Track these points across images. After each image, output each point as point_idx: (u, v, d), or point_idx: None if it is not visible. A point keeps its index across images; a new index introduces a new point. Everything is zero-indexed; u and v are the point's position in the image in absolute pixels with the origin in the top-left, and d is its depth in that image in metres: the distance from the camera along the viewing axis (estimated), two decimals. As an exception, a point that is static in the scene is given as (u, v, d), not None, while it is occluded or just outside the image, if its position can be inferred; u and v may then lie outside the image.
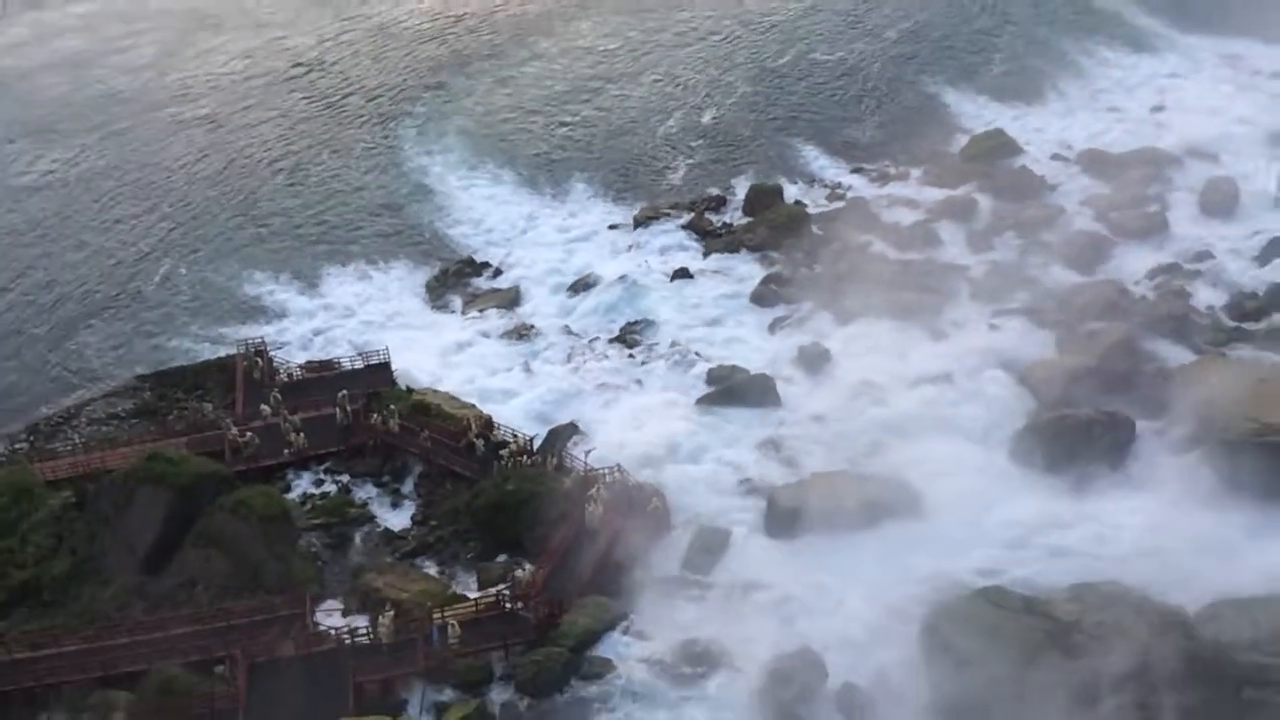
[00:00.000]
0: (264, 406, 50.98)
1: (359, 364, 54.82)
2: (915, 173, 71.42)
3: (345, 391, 51.45)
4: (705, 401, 51.41)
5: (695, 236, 66.50)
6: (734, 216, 69.00)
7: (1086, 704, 33.18)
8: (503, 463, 46.86)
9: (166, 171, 76.22)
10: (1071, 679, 33.58)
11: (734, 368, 53.03)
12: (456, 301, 63.43)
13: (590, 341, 57.93)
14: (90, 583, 43.57)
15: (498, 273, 65.61)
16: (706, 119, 79.97)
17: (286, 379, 53.90)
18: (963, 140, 74.65)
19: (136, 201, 72.92)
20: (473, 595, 42.02)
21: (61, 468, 48.65)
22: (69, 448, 50.61)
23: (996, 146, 72.67)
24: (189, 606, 41.26)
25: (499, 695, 38.38)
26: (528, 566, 42.82)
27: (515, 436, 48.32)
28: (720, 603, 39.99)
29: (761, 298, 60.18)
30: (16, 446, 52.99)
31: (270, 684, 37.91)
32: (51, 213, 72.07)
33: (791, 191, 70.91)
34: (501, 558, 44.23)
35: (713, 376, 53.17)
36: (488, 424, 49.14)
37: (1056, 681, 33.70)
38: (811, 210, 67.75)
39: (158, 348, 59.75)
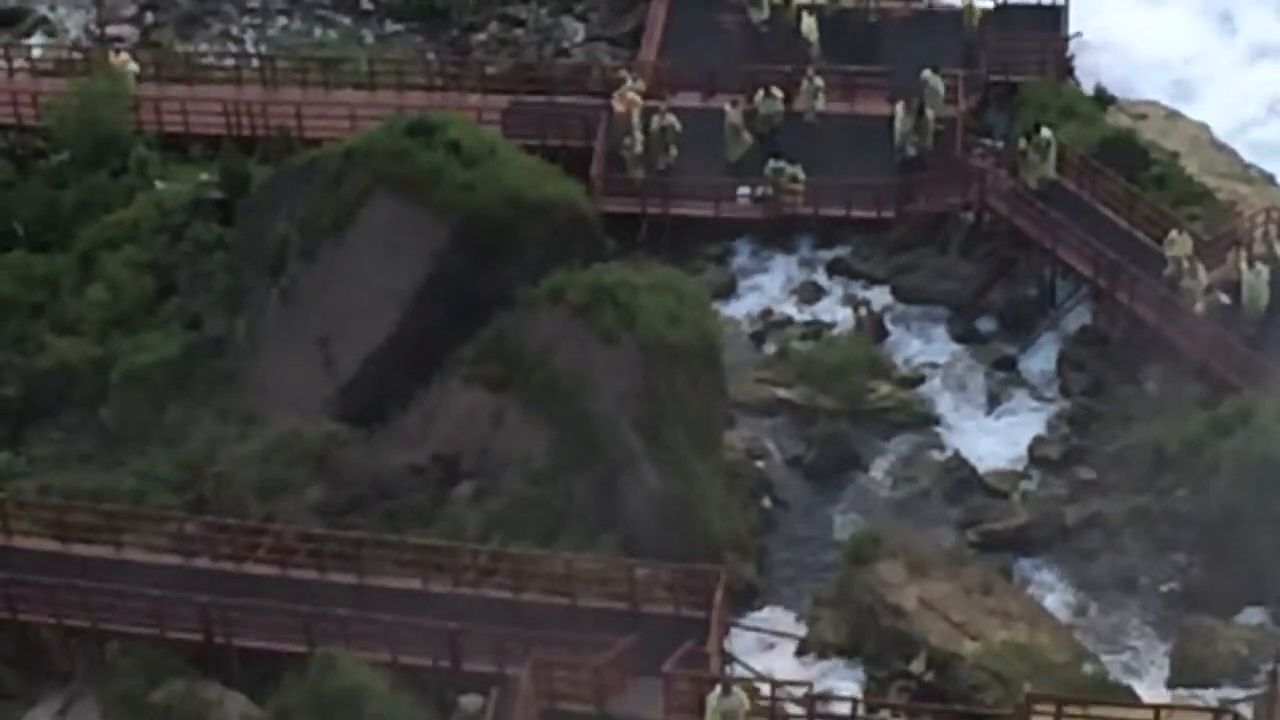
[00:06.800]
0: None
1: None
2: None
3: (933, 69, 30.21)
4: None
5: None
6: None
7: None
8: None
9: None
10: None
11: None
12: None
13: None
14: (202, 403, 26.88)
15: None
16: None
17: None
18: None
19: None
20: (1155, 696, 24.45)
21: (201, 107, 29.66)
22: (224, 65, 32.25)
23: None
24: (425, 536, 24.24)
25: None
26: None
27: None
28: None
29: None
30: (105, 30, 34.43)
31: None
32: None
33: None
34: (1253, 611, 26.16)
35: None
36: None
37: None
38: None
39: None
